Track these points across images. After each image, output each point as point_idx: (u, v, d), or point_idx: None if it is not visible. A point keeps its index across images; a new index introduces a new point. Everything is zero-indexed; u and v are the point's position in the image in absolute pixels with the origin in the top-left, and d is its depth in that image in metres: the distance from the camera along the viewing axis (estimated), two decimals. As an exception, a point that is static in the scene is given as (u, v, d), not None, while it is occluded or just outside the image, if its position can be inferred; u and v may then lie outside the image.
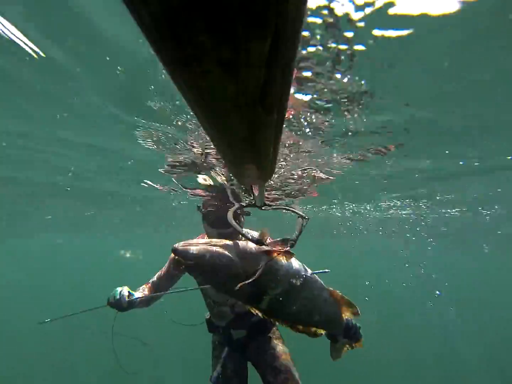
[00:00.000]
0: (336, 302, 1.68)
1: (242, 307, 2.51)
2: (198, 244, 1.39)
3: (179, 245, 1.38)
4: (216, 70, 0.23)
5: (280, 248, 1.38)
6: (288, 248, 1.33)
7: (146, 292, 2.35)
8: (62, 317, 2.23)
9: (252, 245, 1.41)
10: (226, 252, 1.38)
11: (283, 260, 1.43)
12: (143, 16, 0.20)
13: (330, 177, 3.73)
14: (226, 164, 0.44)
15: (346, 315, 1.74)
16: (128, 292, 2.19)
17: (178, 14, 0.19)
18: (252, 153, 0.38)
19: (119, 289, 2.18)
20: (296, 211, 1.38)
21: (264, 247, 1.37)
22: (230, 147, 0.36)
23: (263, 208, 1.33)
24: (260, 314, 1.45)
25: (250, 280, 1.27)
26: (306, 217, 1.32)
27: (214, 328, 2.70)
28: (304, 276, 1.49)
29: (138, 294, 2.28)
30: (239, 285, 1.25)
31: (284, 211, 1.45)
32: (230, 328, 2.59)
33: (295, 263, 1.50)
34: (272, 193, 4.01)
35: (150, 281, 2.47)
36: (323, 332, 1.69)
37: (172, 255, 2.49)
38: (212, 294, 2.56)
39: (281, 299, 1.42)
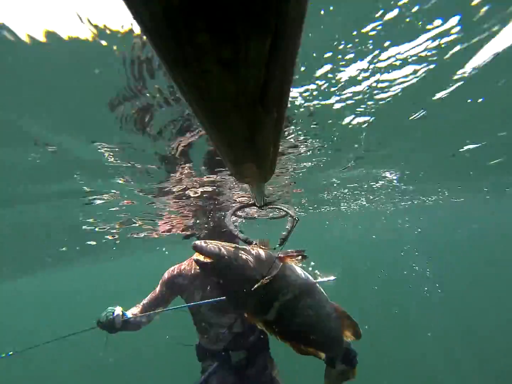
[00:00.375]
0: (338, 319, 1.62)
1: (240, 327, 2.40)
2: (218, 244, 1.40)
3: (199, 242, 1.39)
4: (216, 70, 0.23)
5: (291, 255, 1.38)
6: (282, 246, 1.33)
7: (138, 314, 2.24)
8: (40, 344, 2.05)
9: (266, 251, 1.42)
10: (242, 255, 1.38)
11: (294, 265, 1.43)
12: (143, 16, 0.20)
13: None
14: (226, 164, 0.44)
15: (347, 336, 1.67)
16: (122, 312, 2.08)
17: (178, 13, 0.19)
18: (252, 152, 0.38)
19: (111, 309, 2.05)
20: (289, 212, 1.36)
21: (279, 253, 1.38)
22: (230, 147, 0.36)
23: (263, 208, 1.33)
24: (264, 329, 1.43)
25: (269, 277, 1.27)
26: (297, 218, 1.31)
27: (207, 355, 2.44)
28: (311, 283, 1.49)
29: (130, 314, 2.17)
30: (261, 282, 1.25)
31: (280, 211, 1.44)
32: (228, 351, 2.37)
33: (302, 270, 1.50)
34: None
35: (141, 303, 2.37)
36: (323, 355, 1.62)
37: (163, 278, 2.44)
38: (208, 315, 2.40)
39: (289, 307, 1.41)
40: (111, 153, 2.39)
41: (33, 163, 2.34)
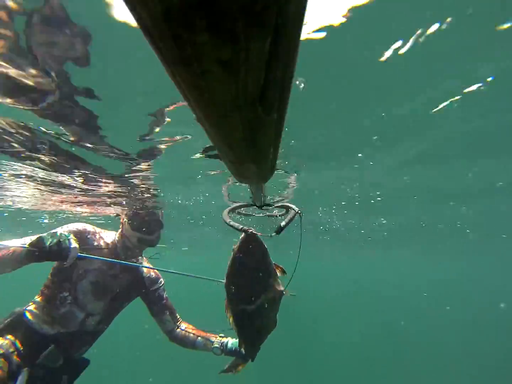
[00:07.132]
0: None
1: (93, 325, 2.05)
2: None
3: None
4: (216, 70, 0.23)
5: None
6: (274, 234, 1.32)
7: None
8: None
9: None
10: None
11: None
12: (143, 16, 0.20)
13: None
14: (226, 164, 0.44)
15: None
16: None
17: (178, 13, 0.19)
18: (252, 153, 0.38)
19: (66, 235, 1.78)
20: (292, 206, 1.36)
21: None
22: (231, 147, 0.36)
23: (263, 207, 1.33)
24: (231, 319, 1.48)
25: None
26: (300, 212, 1.30)
27: (30, 338, 1.85)
28: (282, 293, 1.57)
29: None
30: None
31: (280, 208, 1.44)
32: (51, 343, 1.86)
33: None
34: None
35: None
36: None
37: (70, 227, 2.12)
38: (86, 288, 1.99)
39: (268, 304, 1.47)
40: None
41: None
